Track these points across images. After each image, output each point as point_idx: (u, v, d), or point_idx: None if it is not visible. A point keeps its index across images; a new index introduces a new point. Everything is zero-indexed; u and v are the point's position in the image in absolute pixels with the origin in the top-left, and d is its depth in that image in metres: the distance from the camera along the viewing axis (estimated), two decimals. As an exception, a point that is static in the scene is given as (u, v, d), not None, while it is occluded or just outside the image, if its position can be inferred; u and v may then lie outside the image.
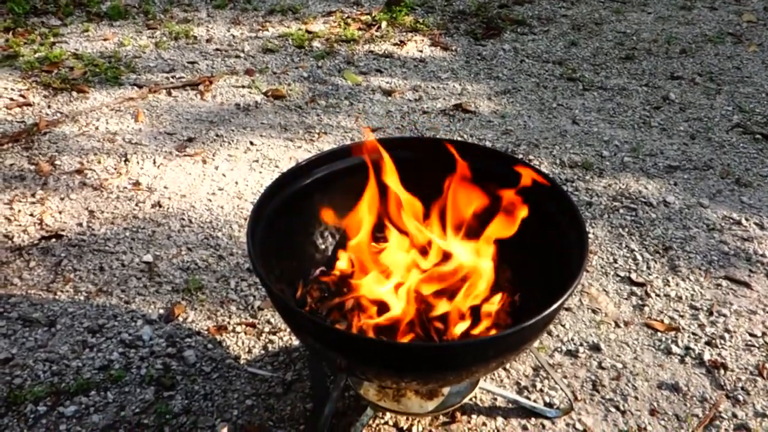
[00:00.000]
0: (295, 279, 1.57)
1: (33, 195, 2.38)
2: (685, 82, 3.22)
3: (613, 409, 1.69)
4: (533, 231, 1.57)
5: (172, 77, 3.13)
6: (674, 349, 1.87)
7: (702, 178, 2.56)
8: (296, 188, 1.58)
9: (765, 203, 2.43)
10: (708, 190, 2.50)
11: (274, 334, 1.89)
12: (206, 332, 1.89)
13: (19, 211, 2.30)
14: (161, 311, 1.95)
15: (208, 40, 3.47)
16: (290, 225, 1.58)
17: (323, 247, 1.67)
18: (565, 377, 1.77)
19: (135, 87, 3.05)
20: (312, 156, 1.62)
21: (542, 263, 1.54)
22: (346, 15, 3.76)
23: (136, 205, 2.36)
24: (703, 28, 3.77)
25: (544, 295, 1.35)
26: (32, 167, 2.51)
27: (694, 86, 3.19)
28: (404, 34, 3.59)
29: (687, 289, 2.07)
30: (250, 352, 1.83)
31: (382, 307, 1.51)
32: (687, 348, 1.87)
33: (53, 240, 2.19)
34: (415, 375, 1.27)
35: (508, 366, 1.80)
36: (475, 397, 1.70)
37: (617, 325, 1.94)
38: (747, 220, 2.35)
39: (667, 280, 2.10)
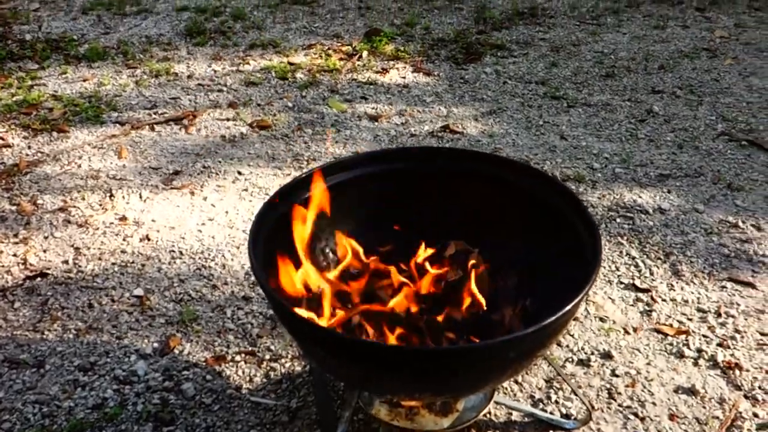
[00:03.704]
0: (298, 296, 1.51)
1: (15, 235, 2.30)
2: (666, 96, 3.25)
3: (631, 417, 1.64)
4: (540, 235, 1.54)
5: (155, 113, 3.09)
6: (687, 352, 1.83)
7: (694, 185, 2.55)
8: (296, 202, 1.54)
9: (759, 206, 2.43)
10: (701, 195, 2.49)
11: (276, 361, 1.81)
12: (204, 363, 1.81)
13: (1, 252, 2.22)
14: (155, 345, 1.87)
15: (189, 77, 3.44)
16: (290, 241, 1.53)
17: (325, 264, 1.62)
18: (580, 387, 1.72)
19: (117, 124, 3.00)
20: (309, 170, 1.58)
21: (551, 266, 1.50)
22: (327, 46, 3.77)
23: (124, 239, 2.29)
24: (678, 45, 3.83)
25: (557, 298, 1.31)
26: (14, 207, 2.43)
27: (676, 99, 3.22)
28: (386, 62, 3.59)
29: (692, 293, 2.04)
30: (251, 381, 1.76)
31: (389, 320, 1.46)
32: (699, 350, 1.83)
33: (38, 279, 2.12)
34: (431, 384, 1.22)
35: (520, 379, 1.74)
36: (490, 413, 1.64)
37: (626, 332, 1.90)
38: (743, 222, 2.34)
39: (672, 285, 2.07)
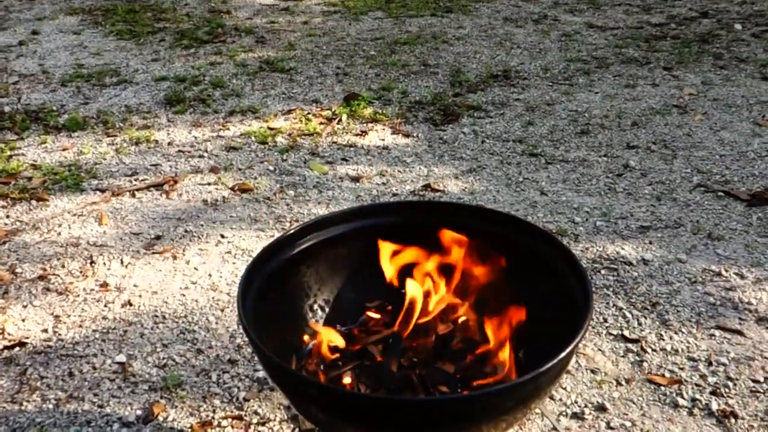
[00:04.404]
0: (287, 353, 1.48)
1: (-7, 305, 2.25)
2: (641, 151, 3.32)
3: (630, 469, 1.60)
4: (530, 286, 1.54)
5: (136, 180, 3.08)
6: (680, 401, 1.81)
7: (675, 236, 2.58)
8: (282, 260, 1.52)
9: (740, 254, 2.45)
10: (683, 246, 2.51)
11: (264, 424, 1.76)
12: (190, 430, 1.75)
13: (-21, 322, 2.17)
14: (139, 412, 1.81)
15: (169, 143, 3.45)
16: (278, 298, 1.51)
17: (314, 320, 1.60)
18: (576, 440, 1.69)
19: (97, 192, 2.98)
20: (296, 226, 1.58)
21: (542, 316, 1.49)
22: (306, 111, 3.82)
23: (105, 306, 2.25)
24: (649, 102, 3.94)
25: (550, 347, 1.29)
26: (-8, 277, 2.39)
27: (651, 153, 3.28)
28: (365, 124, 3.64)
29: (682, 342, 2.03)
30: (238, 446, 1.71)
31: (381, 376, 1.43)
32: (693, 399, 1.81)
33: (17, 349, 2.06)
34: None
35: (514, 434, 1.71)
36: (486, 470, 1.59)
37: (619, 383, 1.88)
38: (726, 270, 2.36)
39: (661, 335, 2.06)
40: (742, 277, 2.33)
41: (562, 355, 1.14)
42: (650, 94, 4.07)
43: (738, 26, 5.25)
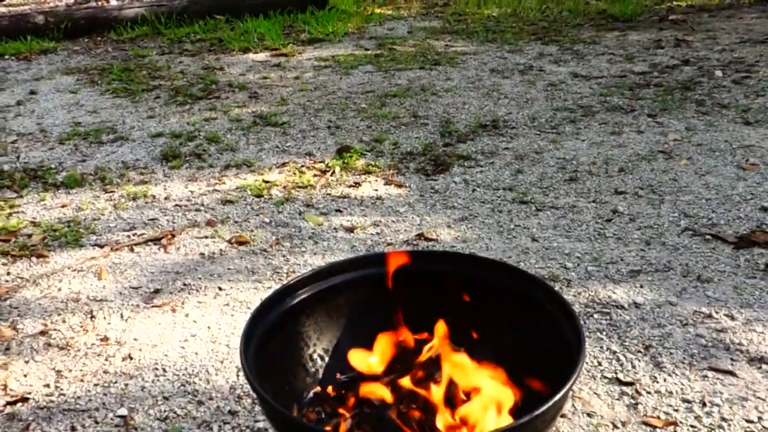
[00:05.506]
0: (288, 402, 1.51)
1: (-6, 362, 2.27)
2: (629, 196, 3.40)
3: None
4: (524, 330, 1.58)
5: (134, 234, 3.13)
6: (677, 443, 1.84)
7: (665, 279, 2.63)
8: (282, 311, 1.57)
9: (729, 296, 2.51)
10: (673, 288, 2.57)
11: (265, 475, 1.78)
12: (191, 483, 1.76)
13: (-20, 379, 2.18)
14: (140, 466, 1.82)
15: (166, 198, 3.51)
16: (279, 348, 1.54)
17: (314, 369, 1.63)
18: (575, 484, 1.71)
19: (96, 247, 3.03)
20: (296, 277, 1.62)
21: (537, 360, 1.53)
22: (300, 164, 3.90)
23: (106, 360, 2.27)
24: (635, 148, 4.04)
25: (545, 390, 1.34)
26: (-8, 334, 2.41)
27: (639, 198, 3.36)
28: (358, 176, 3.72)
29: (675, 384, 2.07)
30: (240, 498, 1.72)
31: (381, 422, 1.46)
32: (689, 440, 1.84)
33: (19, 404, 2.07)
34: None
35: (514, 479, 1.72)
36: None
37: (615, 426, 1.91)
38: (716, 312, 2.41)
39: (655, 377, 2.10)
40: (733, 318, 2.38)
41: (557, 397, 1.18)
42: (636, 140, 4.17)
43: (719, 73, 5.41)
